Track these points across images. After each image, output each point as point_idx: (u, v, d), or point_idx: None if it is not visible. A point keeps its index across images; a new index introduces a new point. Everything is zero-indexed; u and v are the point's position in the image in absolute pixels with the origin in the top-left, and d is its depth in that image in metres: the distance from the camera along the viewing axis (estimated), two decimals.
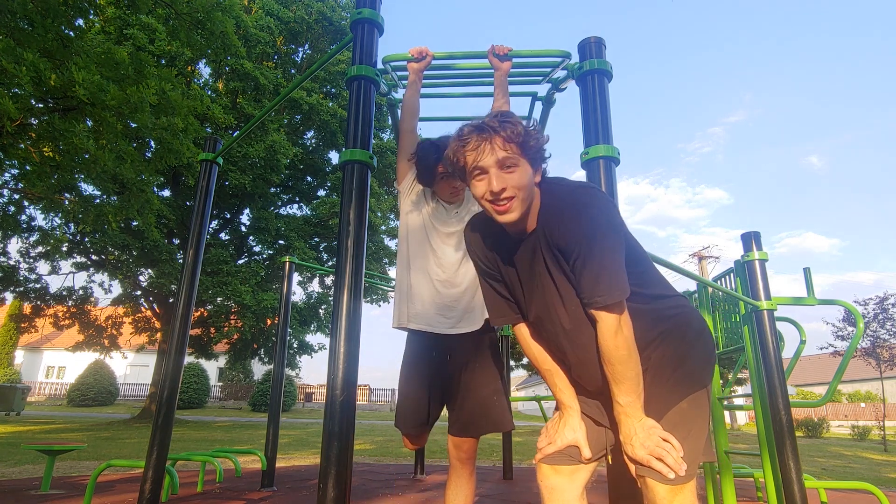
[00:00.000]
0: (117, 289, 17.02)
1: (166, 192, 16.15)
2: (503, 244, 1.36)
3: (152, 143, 9.49)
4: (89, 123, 7.30)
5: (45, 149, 7.06)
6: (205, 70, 16.62)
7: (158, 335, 16.80)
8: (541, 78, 2.65)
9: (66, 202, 9.51)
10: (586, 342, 1.28)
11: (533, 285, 1.32)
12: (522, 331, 1.43)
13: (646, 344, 1.28)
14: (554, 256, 1.24)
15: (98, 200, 9.67)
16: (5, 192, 11.04)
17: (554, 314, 1.30)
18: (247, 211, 17.87)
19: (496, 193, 1.19)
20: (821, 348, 17.06)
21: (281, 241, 16.43)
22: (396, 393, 3.22)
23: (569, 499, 1.35)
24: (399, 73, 2.67)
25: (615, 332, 1.19)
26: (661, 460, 1.18)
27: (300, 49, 18.35)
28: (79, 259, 16.10)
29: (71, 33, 6.95)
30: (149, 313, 17.52)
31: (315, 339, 34.41)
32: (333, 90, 17.95)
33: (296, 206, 19.50)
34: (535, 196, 1.27)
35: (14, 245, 42.49)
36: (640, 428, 1.22)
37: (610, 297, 1.17)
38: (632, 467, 1.25)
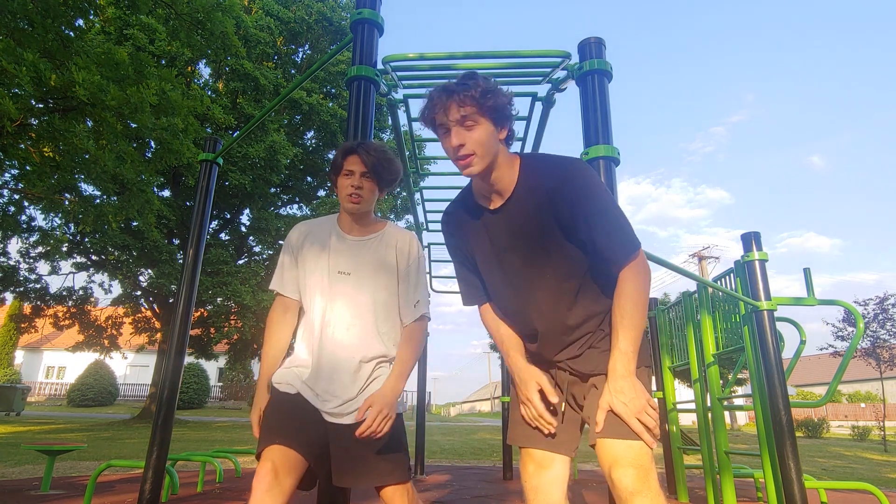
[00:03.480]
0: (117, 289, 17.05)
1: (166, 192, 16.15)
2: (480, 220, 1.41)
3: (152, 143, 9.51)
4: (89, 124, 7.31)
5: (45, 149, 7.07)
6: (205, 70, 16.65)
7: (158, 335, 16.80)
8: (541, 78, 2.65)
9: (66, 202, 9.51)
10: (563, 310, 1.36)
11: (514, 255, 1.37)
12: (489, 311, 1.53)
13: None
14: (552, 225, 1.31)
15: (98, 200, 9.67)
16: (5, 192, 11.04)
17: (536, 282, 1.36)
18: (247, 211, 17.87)
19: (455, 149, 1.27)
20: (821, 349, 17.01)
21: (281, 242, 16.42)
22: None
23: (553, 500, 1.36)
24: (399, 74, 2.67)
25: (644, 274, 1.30)
26: (644, 424, 1.21)
27: (300, 49, 18.34)
28: (79, 259, 16.10)
29: (71, 33, 6.96)
30: (149, 313, 17.52)
31: None
32: (333, 90, 17.94)
33: (296, 206, 19.49)
34: (509, 159, 1.33)
35: (14, 245, 42.45)
36: (630, 387, 1.24)
37: (634, 247, 1.30)
38: (600, 421, 1.25)
